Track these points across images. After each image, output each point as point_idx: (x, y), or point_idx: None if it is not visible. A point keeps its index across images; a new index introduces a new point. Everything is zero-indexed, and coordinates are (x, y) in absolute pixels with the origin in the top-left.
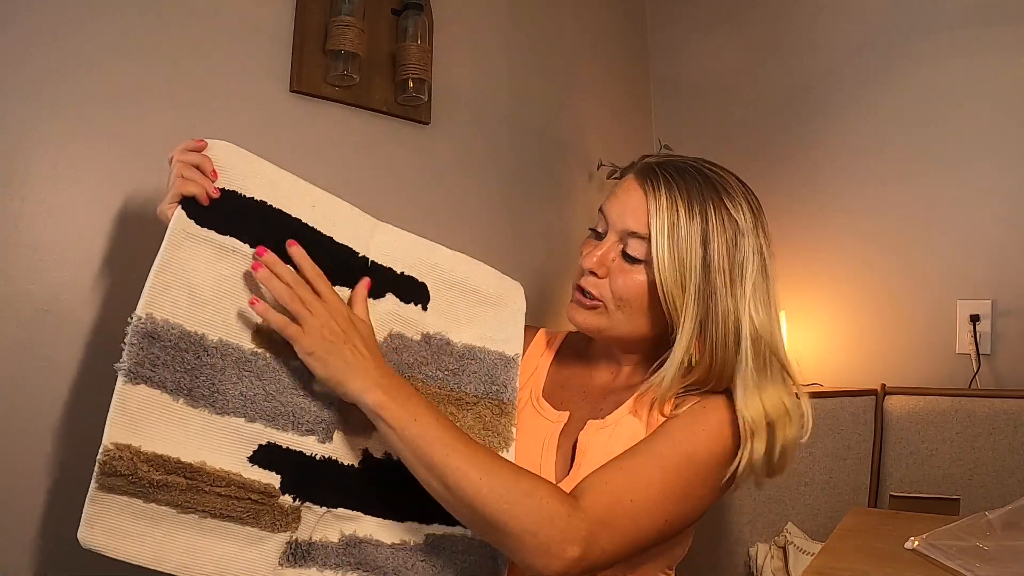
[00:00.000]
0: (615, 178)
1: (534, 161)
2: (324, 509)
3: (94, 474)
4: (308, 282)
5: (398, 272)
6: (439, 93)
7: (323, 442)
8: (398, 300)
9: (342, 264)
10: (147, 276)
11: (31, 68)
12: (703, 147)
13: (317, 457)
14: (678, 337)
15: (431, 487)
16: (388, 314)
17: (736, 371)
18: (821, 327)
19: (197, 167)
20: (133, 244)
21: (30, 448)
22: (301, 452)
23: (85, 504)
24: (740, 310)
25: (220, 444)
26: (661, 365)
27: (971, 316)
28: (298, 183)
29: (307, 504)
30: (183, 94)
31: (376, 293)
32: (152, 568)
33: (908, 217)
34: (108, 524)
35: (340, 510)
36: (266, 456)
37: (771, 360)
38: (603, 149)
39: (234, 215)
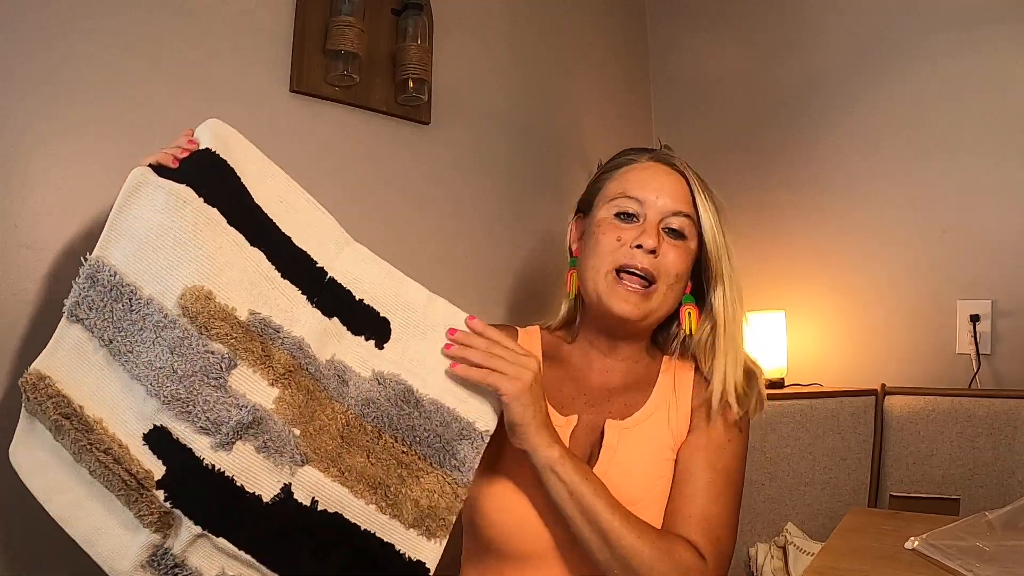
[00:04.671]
0: (608, 170)
1: (534, 161)
2: (199, 529)
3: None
4: (497, 342)
5: (356, 298)
6: (439, 93)
7: (217, 449)
8: (346, 329)
9: (295, 266)
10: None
11: (31, 68)
12: (703, 147)
13: (204, 463)
14: (715, 310)
15: (589, 540)
16: (330, 336)
17: (737, 334)
18: (821, 327)
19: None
20: None
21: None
22: (190, 450)
23: (19, 421)
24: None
25: (123, 409)
26: (661, 350)
27: (971, 316)
28: (279, 178)
29: (177, 512)
30: (183, 94)
31: (322, 307)
32: (41, 504)
33: (908, 217)
34: (29, 447)
35: (222, 541)
36: (158, 441)
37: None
38: (603, 149)
39: (198, 168)
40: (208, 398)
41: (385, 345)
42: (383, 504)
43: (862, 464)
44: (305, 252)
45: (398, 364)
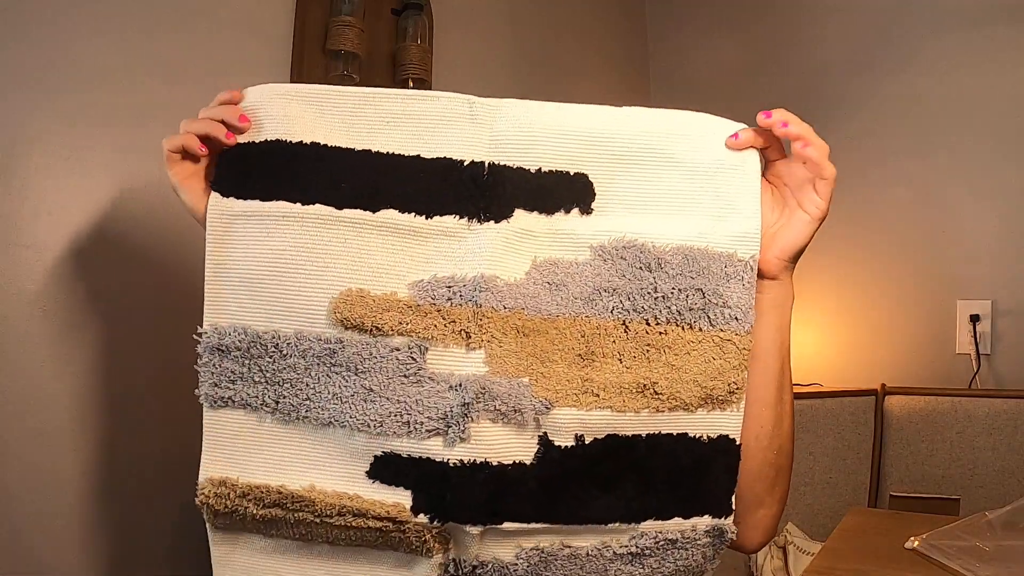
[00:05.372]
0: None
1: None
2: (479, 528)
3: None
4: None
5: (532, 171)
6: None
7: (453, 444)
8: (535, 214)
9: (440, 185)
10: (151, 277)
11: (30, 68)
12: None
13: (450, 463)
14: None
15: (768, 402)
16: (521, 238)
17: None
18: (821, 327)
19: (221, 119)
20: (133, 244)
21: (30, 448)
22: (428, 459)
23: (210, 546)
24: None
25: (328, 462)
26: None
27: (971, 316)
28: (366, 100)
29: (453, 525)
30: (183, 94)
31: (494, 213)
32: None
33: (908, 217)
34: (238, 565)
35: (508, 525)
36: (386, 469)
37: None
38: None
39: (278, 172)
40: (418, 397)
41: (593, 205)
42: (656, 403)
43: (862, 464)
44: (444, 158)
45: (617, 221)
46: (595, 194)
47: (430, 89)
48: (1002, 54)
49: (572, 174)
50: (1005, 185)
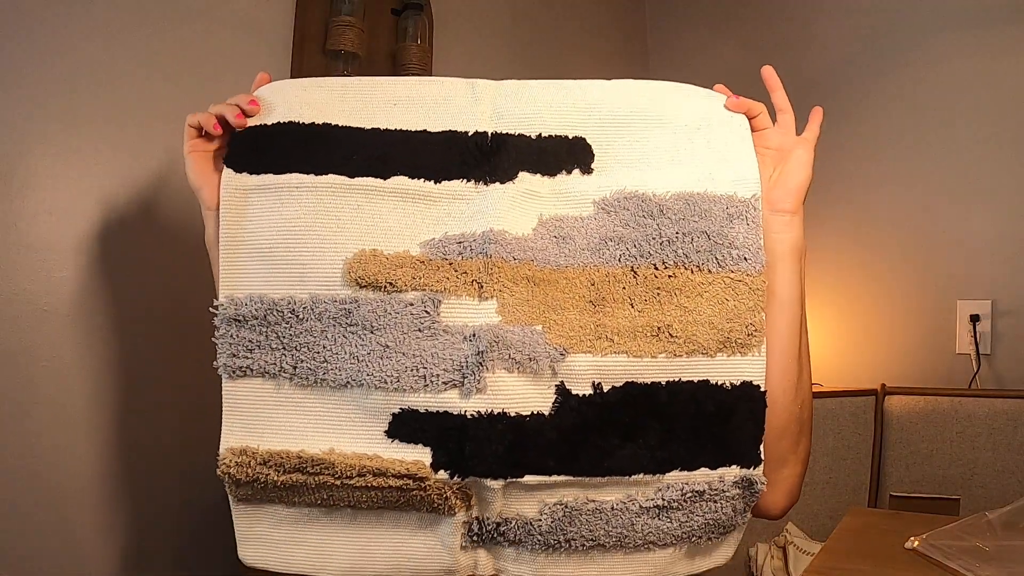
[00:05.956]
0: None
1: None
2: (501, 482)
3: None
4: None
5: (533, 137)
6: None
7: (470, 395)
8: (538, 176)
9: (447, 154)
10: (151, 276)
11: (31, 69)
12: None
13: (468, 415)
14: None
15: (787, 352)
16: (526, 198)
17: None
18: (821, 327)
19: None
20: (133, 243)
21: (30, 448)
22: (446, 413)
23: (233, 520)
24: None
25: (347, 425)
26: None
27: (971, 316)
28: (371, 86)
29: (474, 480)
30: (183, 94)
31: (498, 175)
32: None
33: (908, 217)
34: (262, 537)
35: (529, 478)
36: (405, 426)
37: None
38: None
39: (291, 148)
40: (433, 350)
41: (593, 165)
42: (673, 347)
43: (862, 464)
44: (449, 131)
45: (617, 177)
46: (594, 155)
47: None
48: (1003, 54)
49: (571, 138)
50: (1005, 185)
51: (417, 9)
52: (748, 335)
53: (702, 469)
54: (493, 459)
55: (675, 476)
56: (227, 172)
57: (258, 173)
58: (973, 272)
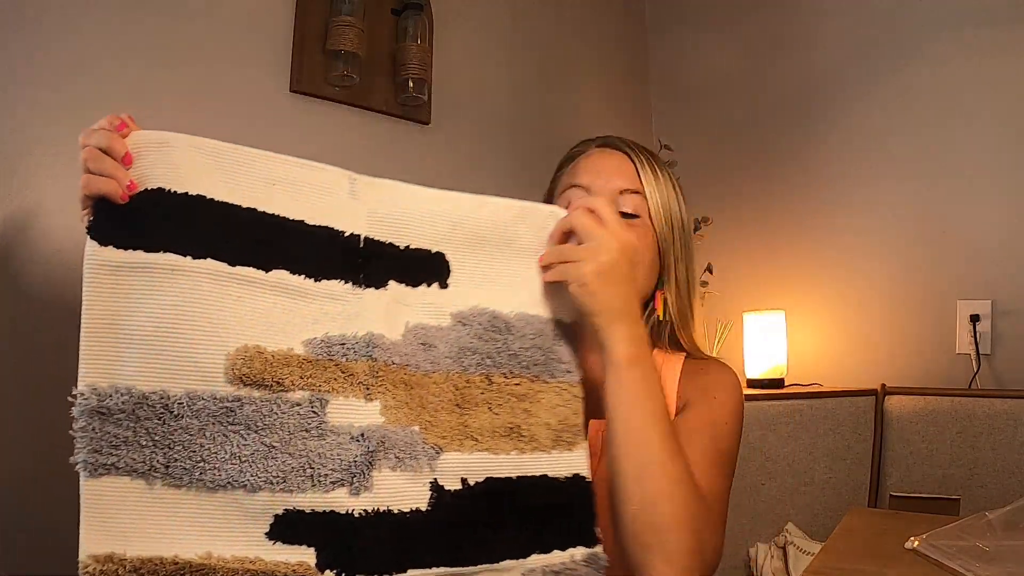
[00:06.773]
0: (562, 164)
1: (534, 161)
2: None
3: None
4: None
5: (401, 248)
6: (439, 93)
7: (358, 492)
8: (404, 286)
9: (324, 258)
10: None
11: (31, 69)
12: (703, 147)
13: (354, 514)
14: (666, 289)
15: (625, 470)
16: (395, 305)
17: (692, 317)
18: (821, 327)
19: (107, 152)
20: None
21: (29, 448)
22: (331, 512)
23: None
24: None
25: (224, 526)
26: (652, 344)
27: (971, 316)
28: (250, 158)
29: None
30: (183, 94)
31: (372, 281)
32: None
33: (908, 217)
34: None
35: (412, 572)
36: (287, 528)
37: None
38: None
39: (164, 222)
40: (320, 450)
41: (449, 281)
42: (521, 444)
43: (862, 464)
44: (326, 227)
45: (469, 294)
46: (450, 271)
47: (428, 89)
48: (1003, 54)
49: (432, 253)
50: (1005, 185)
51: (417, 9)
52: (573, 435)
53: (555, 551)
54: (380, 557)
55: (535, 559)
56: (90, 244)
57: (126, 248)
58: (973, 272)
